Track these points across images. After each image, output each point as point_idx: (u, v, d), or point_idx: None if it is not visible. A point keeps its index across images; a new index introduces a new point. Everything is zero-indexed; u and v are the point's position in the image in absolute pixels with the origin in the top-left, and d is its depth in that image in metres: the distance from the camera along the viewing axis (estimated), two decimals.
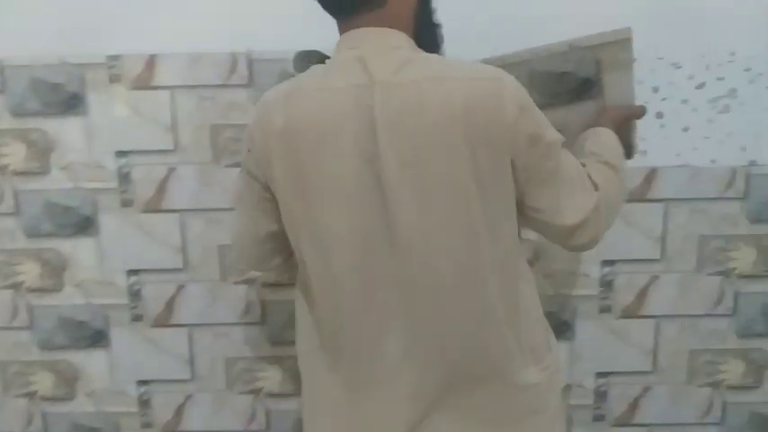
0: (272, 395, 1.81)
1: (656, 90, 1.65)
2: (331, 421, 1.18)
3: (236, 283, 1.74)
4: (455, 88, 1.00)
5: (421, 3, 1.11)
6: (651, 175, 1.70)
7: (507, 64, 1.39)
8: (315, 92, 1.05)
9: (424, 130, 1.00)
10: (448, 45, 1.23)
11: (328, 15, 1.48)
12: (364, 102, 1.01)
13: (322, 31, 1.54)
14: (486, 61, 1.48)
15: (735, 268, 1.75)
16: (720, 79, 1.65)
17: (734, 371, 1.80)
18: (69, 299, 1.75)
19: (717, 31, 1.61)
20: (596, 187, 1.10)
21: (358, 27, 1.07)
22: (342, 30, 1.10)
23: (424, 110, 0.99)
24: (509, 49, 1.33)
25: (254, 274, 1.73)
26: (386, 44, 1.05)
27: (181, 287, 1.75)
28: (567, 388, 1.81)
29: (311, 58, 1.25)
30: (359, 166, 1.02)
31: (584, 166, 1.11)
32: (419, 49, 1.08)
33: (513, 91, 1.02)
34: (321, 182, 1.04)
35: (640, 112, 1.30)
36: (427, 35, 1.14)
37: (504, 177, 1.04)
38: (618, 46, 1.43)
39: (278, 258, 1.24)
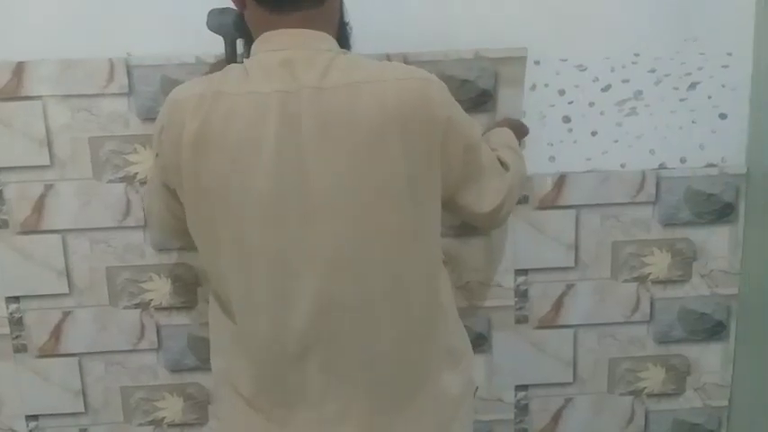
0: (173, 425, 1.75)
1: (562, 93, 1.65)
2: None
3: (126, 308, 1.67)
4: (386, 90, 1.00)
5: (340, 9, 1.13)
6: (561, 180, 1.69)
7: (416, 62, 1.48)
8: (235, 95, 1.01)
9: (358, 136, 0.99)
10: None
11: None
12: (290, 109, 0.99)
13: (210, 33, 1.51)
14: (392, 57, 1.51)
15: (650, 274, 1.76)
16: (626, 81, 1.66)
17: (655, 378, 1.82)
18: None
19: (620, 32, 1.62)
20: (507, 167, 1.23)
21: (287, 26, 1.04)
22: (266, 27, 1.06)
23: (357, 114, 0.99)
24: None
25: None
26: (316, 47, 1.04)
27: (67, 313, 1.67)
28: (488, 403, 1.79)
29: (227, 15, 1.26)
30: (281, 178, 1.00)
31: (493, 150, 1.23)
32: (346, 51, 1.07)
33: (441, 95, 1.05)
34: (239, 194, 1.01)
35: (526, 130, 1.53)
36: (343, 35, 1.14)
37: (434, 181, 1.07)
38: (516, 62, 1.56)
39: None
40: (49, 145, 1.57)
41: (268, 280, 1.05)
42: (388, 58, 1.53)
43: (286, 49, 1.02)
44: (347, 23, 1.17)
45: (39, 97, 1.54)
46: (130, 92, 1.56)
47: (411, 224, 1.05)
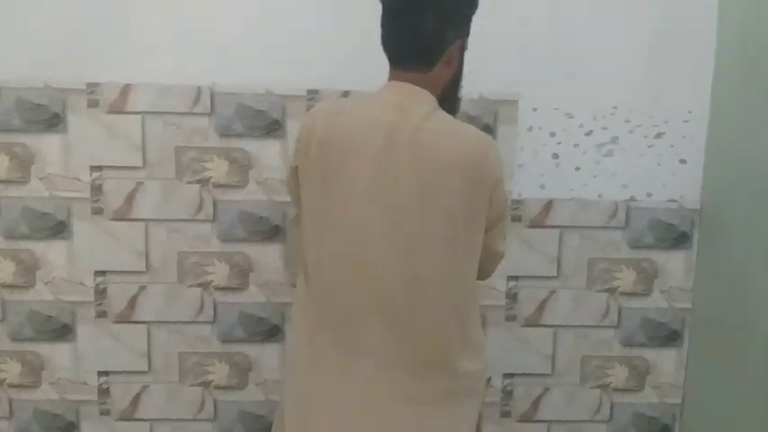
0: (219, 387, 2.00)
1: (552, 135, 1.94)
2: (321, 379, 1.37)
3: (191, 286, 1.96)
4: (461, 143, 1.29)
5: (453, 80, 1.38)
6: (548, 205, 1.97)
7: None
8: (355, 117, 1.32)
9: (434, 166, 1.27)
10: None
11: (281, 58, 1.82)
12: (394, 134, 1.27)
13: (277, 71, 1.83)
14: None
15: (618, 286, 2.01)
16: (605, 128, 1.94)
17: (619, 375, 2.05)
18: (39, 295, 1.93)
19: (602, 88, 1.90)
20: None
21: (404, 80, 1.32)
22: (391, 75, 1.35)
23: (437, 153, 1.27)
24: None
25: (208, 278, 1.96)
26: (420, 100, 1.31)
27: (142, 288, 1.95)
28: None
29: None
30: (378, 180, 1.27)
31: None
32: (440, 108, 1.34)
33: (497, 159, 1.33)
34: (346, 184, 1.28)
35: None
36: (448, 105, 1.39)
37: (481, 216, 1.32)
38: (510, 105, 1.82)
39: None
40: (143, 150, 1.89)
41: (354, 251, 1.30)
42: None
43: (399, 95, 1.32)
44: (459, 98, 1.43)
45: (139, 113, 1.87)
46: (212, 113, 1.89)
47: (461, 241, 1.31)
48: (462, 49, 1.37)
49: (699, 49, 1.93)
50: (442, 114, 1.33)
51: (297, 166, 1.39)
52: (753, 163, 1.77)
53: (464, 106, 1.87)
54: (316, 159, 1.32)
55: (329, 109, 1.36)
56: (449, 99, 1.39)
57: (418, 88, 1.32)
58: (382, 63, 1.83)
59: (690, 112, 1.95)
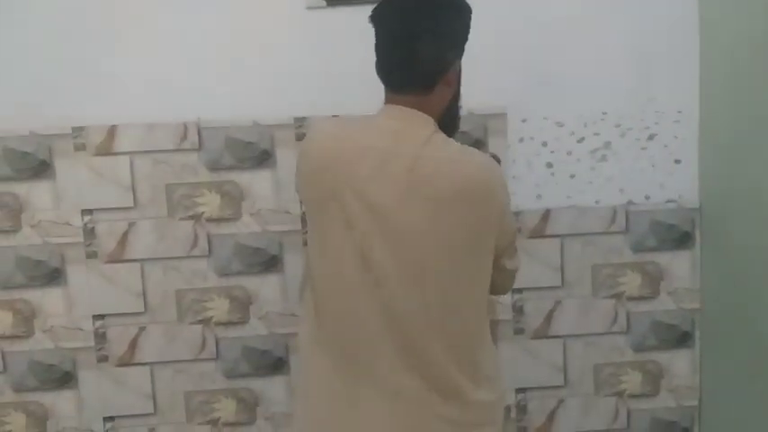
0: (228, 424, 1.98)
1: (545, 144, 1.94)
2: (330, 407, 1.34)
3: (192, 323, 1.94)
4: (464, 169, 1.25)
5: (452, 101, 1.35)
6: (546, 215, 1.96)
7: None
8: (350, 142, 1.28)
9: (435, 196, 1.23)
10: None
11: (271, 89, 1.80)
12: (387, 162, 1.24)
13: (267, 103, 1.84)
14: None
15: (624, 291, 2.00)
16: (596, 134, 1.94)
17: (633, 381, 2.03)
18: (39, 344, 1.91)
19: (590, 94, 1.90)
20: None
21: (402, 104, 1.28)
22: (388, 99, 1.31)
23: (437, 183, 1.23)
24: None
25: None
26: (418, 123, 1.27)
27: (142, 329, 1.93)
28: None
29: None
30: (369, 201, 1.24)
31: None
32: (439, 131, 1.29)
33: (501, 182, 1.30)
34: (336, 208, 1.26)
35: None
36: (449, 124, 1.36)
37: (488, 244, 1.30)
38: (499, 118, 1.83)
39: None
40: (134, 190, 1.88)
41: (357, 277, 1.27)
42: None
43: (397, 120, 1.28)
44: (458, 117, 1.40)
45: (127, 153, 1.87)
46: (200, 147, 1.88)
47: (466, 267, 1.28)
48: (460, 68, 1.36)
49: (684, 48, 1.92)
50: (442, 138, 1.30)
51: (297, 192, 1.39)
52: (748, 158, 1.76)
53: None
54: (311, 185, 1.31)
55: (328, 131, 1.34)
56: (450, 117, 1.37)
57: (417, 112, 1.29)
58: (369, 87, 1.83)
59: (680, 111, 1.95)
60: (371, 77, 1.85)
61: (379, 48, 1.32)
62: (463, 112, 1.81)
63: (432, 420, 1.32)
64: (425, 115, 1.29)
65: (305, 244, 1.84)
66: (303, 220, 1.91)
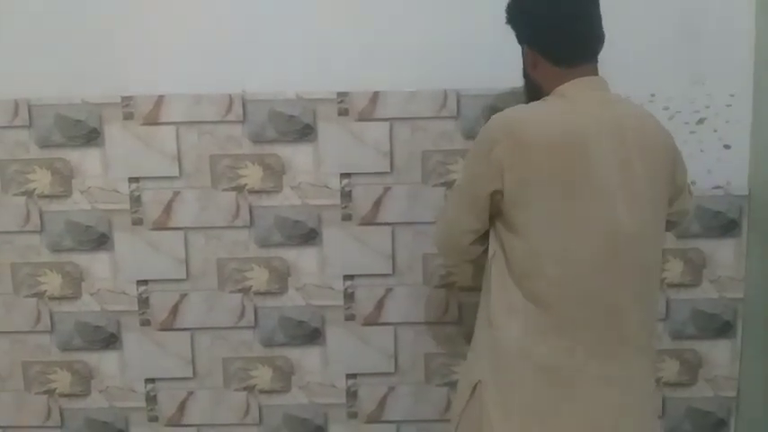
0: (263, 392, 2.02)
1: None
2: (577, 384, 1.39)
3: (232, 292, 1.98)
4: (655, 123, 1.42)
5: None
6: None
7: (468, 96, 1.86)
8: (572, 117, 1.36)
9: (654, 150, 1.38)
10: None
11: (308, 60, 1.81)
12: (615, 126, 1.35)
13: (310, 77, 1.85)
14: (449, 92, 1.81)
15: (665, 278, 1.97)
16: None
17: (670, 369, 2.00)
18: (86, 306, 1.98)
19: (639, 76, 1.85)
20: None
21: (585, 74, 1.41)
22: (568, 74, 1.40)
23: (652, 138, 1.39)
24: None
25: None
26: (608, 88, 1.43)
27: (184, 295, 1.98)
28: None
29: None
30: (618, 168, 1.34)
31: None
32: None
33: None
34: (588, 182, 1.33)
35: None
36: None
37: (674, 187, 1.46)
38: None
39: (479, 248, 1.51)
40: (179, 160, 1.93)
41: (597, 250, 1.35)
42: (447, 93, 1.88)
43: (597, 89, 1.41)
44: None
45: (173, 123, 1.91)
46: (244, 120, 1.91)
47: (664, 219, 1.43)
48: None
49: (737, 27, 1.87)
50: (624, 98, 1.47)
51: (497, 191, 1.39)
52: None
53: (500, 101, 1.88)
54: (545, 168, 1.33)
55: (520, 117, 1.38)
56: None
57: (601, 78, 1.43)
58: (411, 62, 1.83)
59: (732, 95, 1.89)
60: (414, 52, 1.87)
61: (553, 25, 1.40)
62: (507, 89, 1.85)
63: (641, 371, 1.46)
64: (605, 80, 1.43)
65: (344, 219, 1.88)
66: (342, 195, 1.93)
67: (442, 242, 1.57)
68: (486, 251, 1.51)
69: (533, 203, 1.35)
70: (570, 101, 1.38)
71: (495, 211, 1.43)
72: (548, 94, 1.43)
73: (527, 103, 1.47)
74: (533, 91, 1.49)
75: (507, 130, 1.36)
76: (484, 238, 1.49)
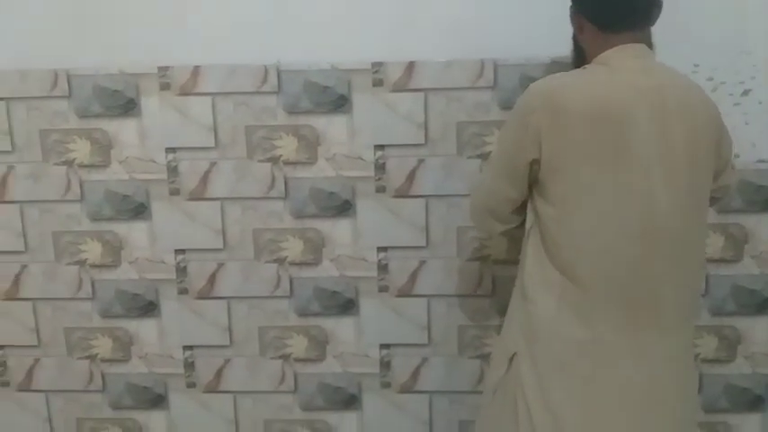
0: (299, 360, 2.06)
1: None
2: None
3: (268, 262, 2.00)
4: (700, 93, 1.39)
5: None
6: None
7: (504, 65, 1.83)
8: (614, 85, 1.33)
9: (696, 120, 1.34)
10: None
11: (343, 31, 1.79)
12: (662, 97, 1.31)
13: (343, 44, 1.84)
14: (486, 62, 1.77)
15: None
16: None
17: (708, 346, 1.98)
18: (125, 274, 2.02)
19: (682, 46, 1.80)
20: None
21: (631, 41, 1.37)
22: (614, 39, 1.37)
23: (694, 108, 1.35)
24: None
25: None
26: (653, 57, 1.40)
27: (221, 265, 2.01)
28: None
29: None
30: (654, 141, 1.31)
31: None
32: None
33: None
34: (627, 152, 1.31)
35: None
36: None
37: (719, 160, 1.43)
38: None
39: (518, 218, 1.51)
40: (215, 131, 1.93)
41: (638, 220, 1.34)
42: (483, 63, 1.85)
43: (641, 57, 1.37)
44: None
45: (209, 94, 1.91)
46: (279, 91, 1.90)
47: (707, 194, 1.41)
48: None
49: None
50: (669, 67, 1.41)
51: (535, 159, 1.37)
52: None
53: (534, 71, 1.84)
54: (582, 137, 1.31)
55: (559, 85, 1.35)
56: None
57: (645, 47, 1.39)
58: (444, 32, 1.80)
59: None
60: (450, 21, 1.84)
61: None
62: (547, 60, 1.82)
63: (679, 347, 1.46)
64: (649, 49, 1.41)
65: (378, 191, 1.88)
66: (376, 167, 1.92)
67: (479, 211, 1.55)
68: (522, 224, 1.50)
69: (569, 173, 1.33)
70: (612, 69, 1.35)
71: (533, 181, 1.41)
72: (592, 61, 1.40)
73: (574, 68, 1.44)
74: (579, 56, 1.46)
75: (545, 97, 1.34)
76: (522, 208, 1.48)
